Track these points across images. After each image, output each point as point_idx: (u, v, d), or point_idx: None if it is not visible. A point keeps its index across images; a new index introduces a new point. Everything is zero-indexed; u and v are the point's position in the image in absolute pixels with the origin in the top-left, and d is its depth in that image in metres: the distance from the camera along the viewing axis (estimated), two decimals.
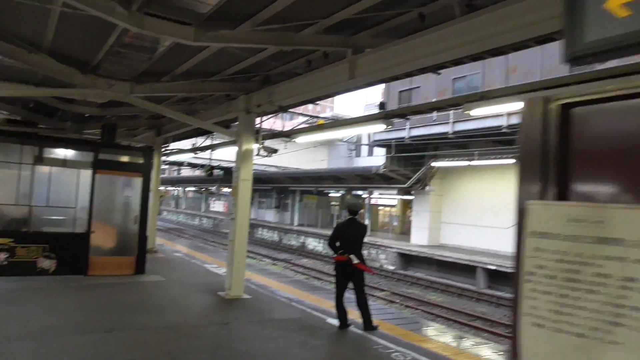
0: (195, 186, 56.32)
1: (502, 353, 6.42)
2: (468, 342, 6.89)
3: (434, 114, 19.06)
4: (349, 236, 6.65)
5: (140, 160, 9.74)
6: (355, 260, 6.46)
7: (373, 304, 6.81)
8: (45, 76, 7.31)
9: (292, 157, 26.17)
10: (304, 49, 6.13)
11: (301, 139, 8.40)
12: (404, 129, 21.27)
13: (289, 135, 8.76)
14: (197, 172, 49.44)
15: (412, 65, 5.37)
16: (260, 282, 9.82)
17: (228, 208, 50.28)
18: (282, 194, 36.61)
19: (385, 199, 32.21)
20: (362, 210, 7.25)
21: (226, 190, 52.80)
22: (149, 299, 7.93)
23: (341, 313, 6.69)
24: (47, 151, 8.92)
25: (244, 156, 8.28)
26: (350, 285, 6.64)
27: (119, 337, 5.69)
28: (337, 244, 6.69)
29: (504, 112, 16.77)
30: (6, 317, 6.23)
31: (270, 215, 36.76)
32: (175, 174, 57.30)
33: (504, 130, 17.21)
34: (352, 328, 6.66)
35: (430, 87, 21.40)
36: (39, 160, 8.77)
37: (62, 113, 11.06)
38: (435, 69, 5.72)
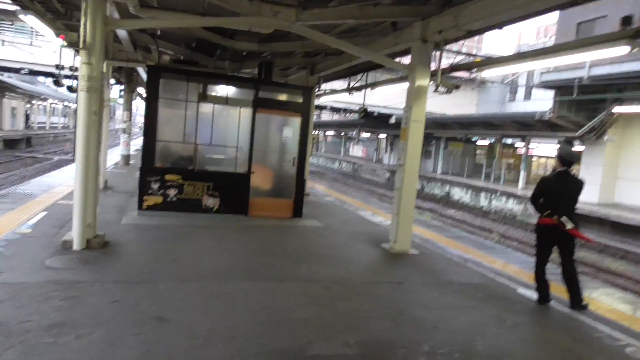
0: (334, 130, 56.80)
1: None
2: None
3: None
4: (559, 193, 5.27)
5: (300, 100, 9.15)
6: (569, 225, 5.11)
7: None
8: (210, 4, 6.84)
9: (436, 101, 24.13)
10: None
11: (488, 73, 6.98)
12: (583, 67, 18.05)
13: (470, 68, 7.39)
14: (336, 117, 49.54)
15: None
16: (424, 236, 8.88)
17: (367, 153, 49.98)
18: (425, 140, 34.77)
19: (543, 149, 28.72)
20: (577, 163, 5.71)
21: (365, 135, 52.44)
22: (310, 247, 7.48)
23: (541, 285, 5.47)
24: (210, 89, 8.72)
25: (416, 93, 7.15)
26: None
27: (288, 289, 5.20)
28: (541, 201, 5.40)
29: None
30: (177, 254, 6.18)
31: None
32: (314, 118, 58.28)
33: None
34: (553, 304, 5.44)
35: (621, 15, 17.62)
36: (203, 97, 8.62)
37: (221, 53, 10.91)
38: None
